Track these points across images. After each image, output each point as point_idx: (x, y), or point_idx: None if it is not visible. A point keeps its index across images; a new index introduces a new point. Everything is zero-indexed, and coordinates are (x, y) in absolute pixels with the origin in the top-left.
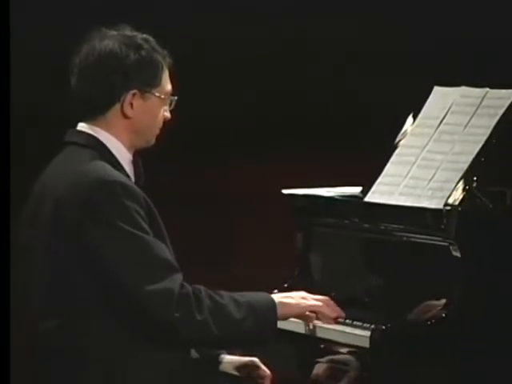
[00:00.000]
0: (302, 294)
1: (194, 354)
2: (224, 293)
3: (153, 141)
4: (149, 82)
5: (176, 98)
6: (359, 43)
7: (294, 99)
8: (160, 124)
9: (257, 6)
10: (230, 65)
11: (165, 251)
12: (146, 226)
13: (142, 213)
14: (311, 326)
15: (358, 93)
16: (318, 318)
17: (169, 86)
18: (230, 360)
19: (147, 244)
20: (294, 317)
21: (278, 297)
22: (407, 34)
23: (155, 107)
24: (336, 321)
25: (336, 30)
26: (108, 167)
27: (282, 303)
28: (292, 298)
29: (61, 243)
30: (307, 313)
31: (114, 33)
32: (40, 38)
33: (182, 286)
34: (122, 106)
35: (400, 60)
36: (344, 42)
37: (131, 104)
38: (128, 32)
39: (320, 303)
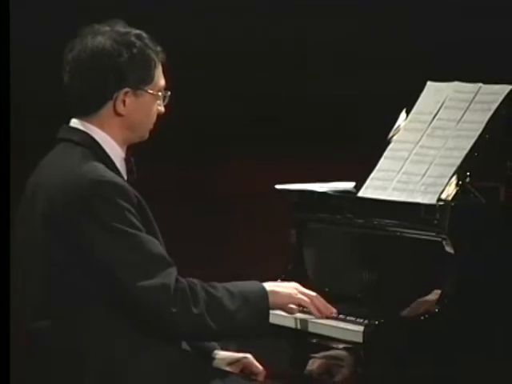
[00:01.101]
0: (294, 284)
1: (186, 347)
2: (218, 284)
3: (146, 135)
4: (141, 80)
5: (169, 93)
6: (356, 42)
7: (291, 97)
8: (153, 119)
9: (256, 4)
10: (227, 63)
11: (158, 246)
12: (138, 224)
13: (134, 211)
14: (304, 321)
15: (355, 89)
16: (304, 312)
17: (162, 82)
18: (223, 356)
19: (140, 241)
20: (284, 306)
21: (269, 285)
22: (404, 32)
23: (148, 103)
24: (326, 315)
25: (333, 29)
26: (100, 167)
27: (273, 292)
28: (283, 287)
29: (55, 242)
30: (291, 305)
31: (106, 29)
32: (41, 35)
33: (177, 280)
34: (114, 104)
35: (394, 56)
36: (341, 40)
37: (124, 101)
38: (121, 28)
39: (312, 293)
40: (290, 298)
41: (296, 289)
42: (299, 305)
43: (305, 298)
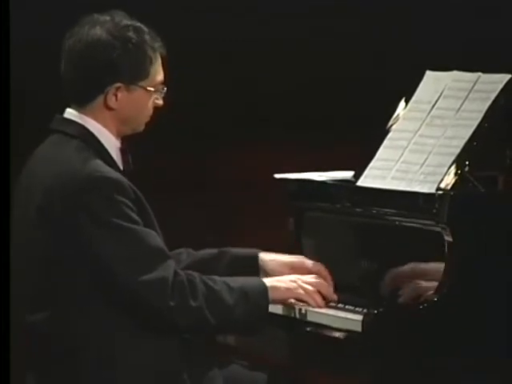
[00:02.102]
0: (294, 277)
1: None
2: (217, 278)
3: (141, 128)
4: (135, 75)
5: (165, 88)
6: (357, 41)
7: (286, 87)
8: (149, 113)
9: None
10: (227, 54)
11: (156, 239)
12: (135, 217)
13: (131, 204)
14: (303, 310)
15: (349, 80)
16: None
17: (159, 77)
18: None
19: (138, 235)
20: (284, 301)
21: (269, 281)
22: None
23: (142, 99)
24: (326, 305)
25: (334, 29)
26: (96, 161)
27: (273, 287)
28: (283, 282)
29: (51, 235)
30: (292, 301)
31: (106, 19)
32: (41, 33)
33: (175, 273)
34: (105, 98)
35: (395, 56)
36: (342, 40)
37: (115, 96)
38: (121, 20)
39: (310, 287)
40: (290, 293)
41: (296, 282)
42: (298, 299)
43: (304, 293)
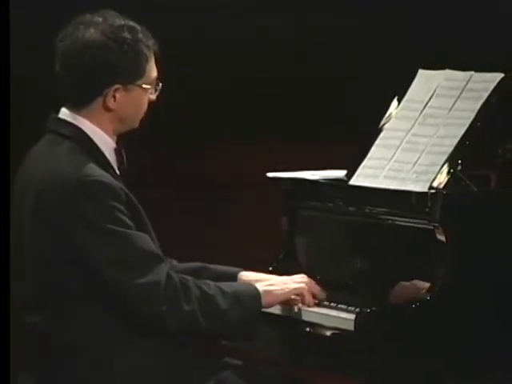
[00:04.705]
0: (284, 278)
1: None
2: (210, 283)
3: (137, 125)
4: (133, 75)
5: (161, 84)
6: (356, 41)
7: (282, 85)
8: (144, 109)
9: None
10: (220, 54)
11: (149, 243)
12: (128, 221)
13: (123, 208)
14: (296, 309)
15: (347, 80)
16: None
17: (154, 74)
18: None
19: (131, 239)
20: (279, 303)
21: (261, 285)
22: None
23: (139, 97)
24: (317, 303)
25: (333, 28)
26: (89, 165)
27: (265, 292)
28: (275, 285)
29: (44, 240)
30: (292, 296)
31: (99, 20)
32: (41, 26)
33: (168, 276)
34: (104, 100)
35: (394, 56)
36: (332, 28)
37: (114, 97)
38: (114, 21)
39: (302, 285)
40: (283, 293)
41: (286, 282)
42: (291, 301)
43: (297, 286)
